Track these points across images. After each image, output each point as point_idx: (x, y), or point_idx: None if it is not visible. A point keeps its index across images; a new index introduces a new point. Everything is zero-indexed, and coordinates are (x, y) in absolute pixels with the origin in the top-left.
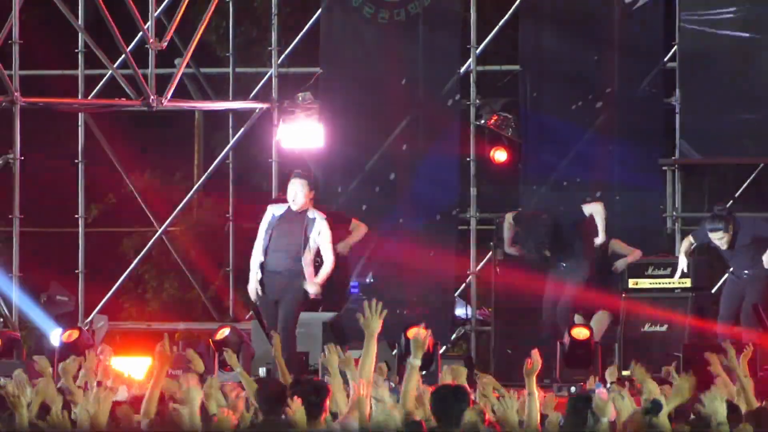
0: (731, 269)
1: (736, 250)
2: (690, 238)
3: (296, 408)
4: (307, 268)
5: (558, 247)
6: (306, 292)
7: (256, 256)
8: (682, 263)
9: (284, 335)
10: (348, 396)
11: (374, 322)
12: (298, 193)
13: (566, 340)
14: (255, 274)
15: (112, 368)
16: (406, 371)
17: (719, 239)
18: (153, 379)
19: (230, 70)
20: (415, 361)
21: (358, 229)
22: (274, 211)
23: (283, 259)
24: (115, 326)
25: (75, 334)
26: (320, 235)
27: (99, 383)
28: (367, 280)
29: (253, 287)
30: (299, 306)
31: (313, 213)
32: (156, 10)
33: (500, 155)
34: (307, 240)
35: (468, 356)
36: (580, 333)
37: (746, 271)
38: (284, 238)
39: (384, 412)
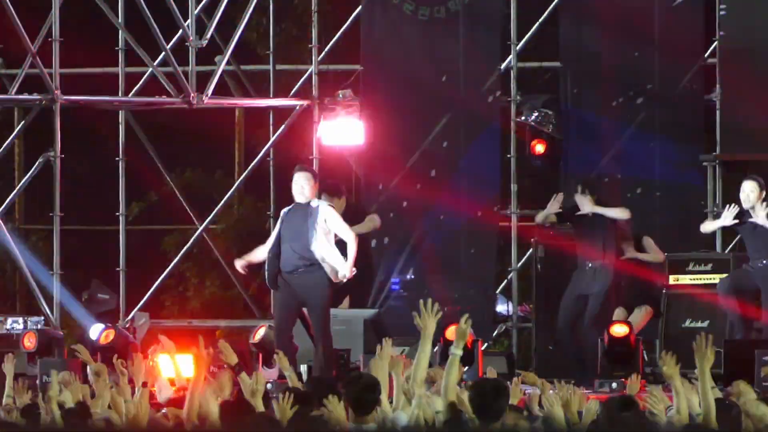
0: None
1: (759, 232)
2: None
3: (334, 407)
4: (329, 255)
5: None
6: (329, 281)
7: (262, 253)
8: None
9: (322, 334)
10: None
11: (430, 321)
12: (304, 186)
13: (605, 336)
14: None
15: (158, 369)
16: (447, 362)
17: (750, 191)
18: (192, 381)
19: (270, 67)
20: (457, 351)
21: (369, 222)
22: (285, 210)
23: (292, 257)
24: (156, 324)
25: (111, 334)
26: (327, 220)
27: (144, 384)
28: (408, 277)
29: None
30: (327, 301)
31: (315, 202)
32: (196, 8)
33: (539, 147)
34: (313, 229)
35: (509, 353)
36: (619, 330)
37: (763, 262)
38: (289, 233)
39: (428, 405)
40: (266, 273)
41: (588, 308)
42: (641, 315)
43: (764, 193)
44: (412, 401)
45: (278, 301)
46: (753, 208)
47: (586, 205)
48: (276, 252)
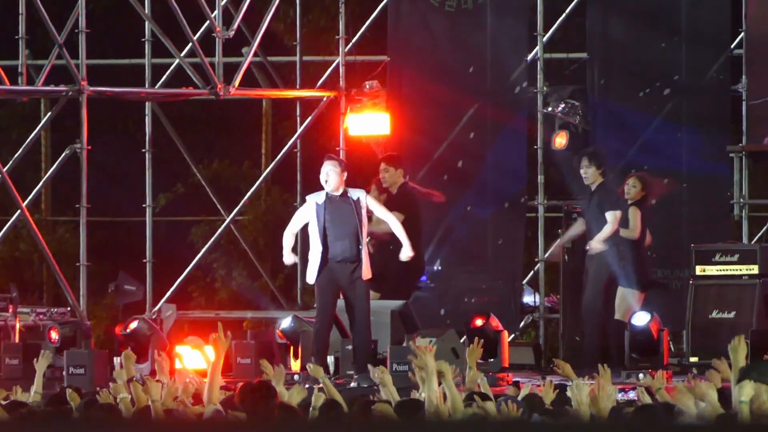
0: None
1: None
2: None
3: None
4: (364, 249)
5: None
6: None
7: (315, 246)
8: None
9: (364, 325)
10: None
11: (429, 359)
12: (330, 173)
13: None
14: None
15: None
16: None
17: None
18: (212, 366)
19: (297, 58)
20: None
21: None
22: (315, 199)
23: (347, 247)
24: (183, 315)
25: (133, 324)
26: (369, 208)
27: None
28: (435, 268)
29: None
30: (369, 292)
31: (354, 193)
32: None
33: (560, 140)
34: (362, 223)
35: (536, 343)
36: (640, 319)
37: None
38: (342, 227)
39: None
40: (312, 265)
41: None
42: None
43: None
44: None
45: (327, 290)
46: None
47: (591, 176)
48: (323, 244)
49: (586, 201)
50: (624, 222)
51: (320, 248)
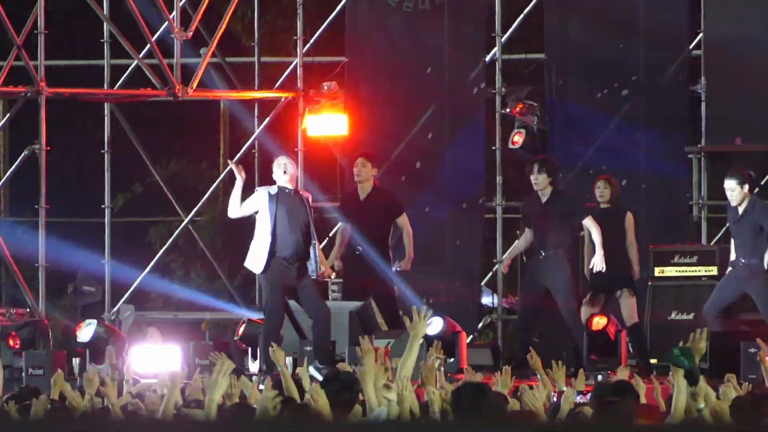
0: (733, 255)
1: (743, 227)
2: None
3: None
4: (317, 247)
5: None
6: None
7: (263, 237)
8: None
9: (326, 320)
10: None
11: (421, 326)
12: (287, 165)
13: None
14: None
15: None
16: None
17: (731, 190)
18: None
19: (256, 59)
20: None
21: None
22: (268, 190)
23: (298, 242)
24: (141, 316)
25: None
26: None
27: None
28: (394, 269)
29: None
30: (322, 288)
31: (303, 193)
32: (181, 0)
33: (517, 138)
34: (310, 218)
35: (495, 344)
36: (598, 323)
37: (743, 260)
38: (293, 222)
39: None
40: (258, 255)
41: (559, 303)
42: (629, 302)
43: (745, 188)
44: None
45: (277, 286)
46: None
47: (542, 183)
48: (273, 236)
49: (536, 208)
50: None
51: (269, 239)
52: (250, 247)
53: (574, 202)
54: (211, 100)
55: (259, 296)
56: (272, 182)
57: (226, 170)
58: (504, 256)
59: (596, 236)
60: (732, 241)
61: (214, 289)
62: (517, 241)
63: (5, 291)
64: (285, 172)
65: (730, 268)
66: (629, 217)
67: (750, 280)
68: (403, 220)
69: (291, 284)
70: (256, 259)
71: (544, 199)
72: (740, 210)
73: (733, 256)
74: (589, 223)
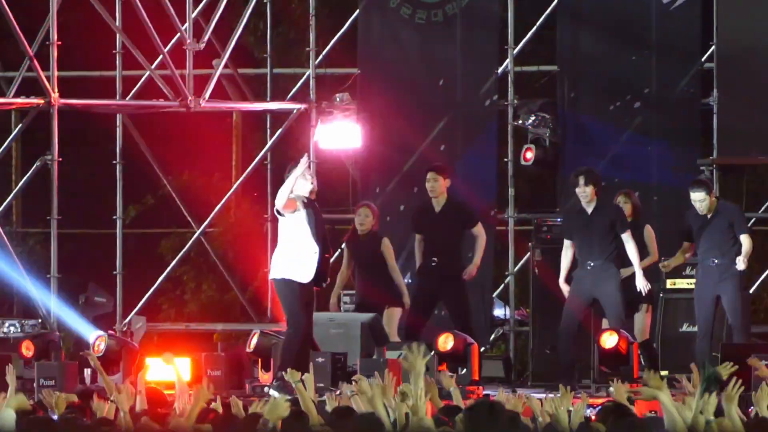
0: (700, 259)
1: (710, 230)
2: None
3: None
4: None
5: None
6: None
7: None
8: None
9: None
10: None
11: (419, 362)
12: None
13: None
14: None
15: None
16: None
17: (701, 201)
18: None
19: (268, 71)
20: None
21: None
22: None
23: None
24: (153, 327)
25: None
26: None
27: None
28: (406, 281)
29: None
30: None
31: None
32: (193, 11)
33: (528, 154)
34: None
35: (506, 357)
36: (607, 341)
37: (714, 260)
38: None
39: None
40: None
41: (608, 313)
42: (643, 317)
43: (712, 196)
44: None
45: (308, 297)
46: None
47: (589, 195)
48: (318, 246)
49: (582, 220)
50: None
51: (315, 248)
52: (287, 255)
53: (618, 212)
54: (224, 111)
55: (272, 308)
56: None
57: (238, 182)
58: (561, 282)
59: (633, 253)
60: (699, 246)
61: (226, 301)
62: (562, 259)
63: (17, 301)
64: (312, 183)
65: (698, 275)
66: (648, 230)
67: (721, 283)
68: (478, 230)
69: (312, 296)
70: (304, 269)
71: (590, 210)
72: (709, 215)
73: (700, 259)
74: (627, 237)
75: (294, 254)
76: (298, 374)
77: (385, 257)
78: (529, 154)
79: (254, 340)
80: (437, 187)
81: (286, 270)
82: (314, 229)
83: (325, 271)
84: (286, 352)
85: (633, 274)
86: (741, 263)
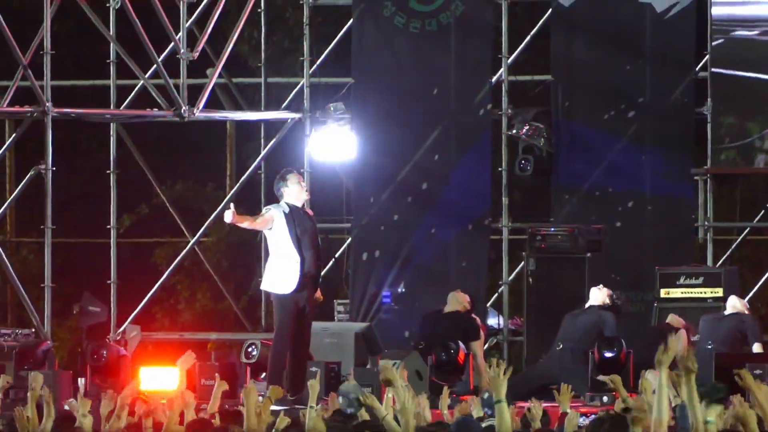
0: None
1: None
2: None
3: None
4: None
5: None
6: None
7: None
8: None
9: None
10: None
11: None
12: (302, 182)
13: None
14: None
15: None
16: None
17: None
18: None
19: (262, 80)
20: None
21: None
22: (281, 209)
23: (314, 263)
24: (147, 336)
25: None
26: None
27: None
28: (399, 290)
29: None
30: None
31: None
32: (187, 21)
33: (525, 166)
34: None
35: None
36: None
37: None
38: (308, 239)
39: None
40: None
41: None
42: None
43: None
44: None
45: (294, 308)
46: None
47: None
48: (301, 255)
49: None
50: None
51: (297, 258)
52: (270, 268)
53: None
54: (218, 121)
55: (266, 318)
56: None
57: (233, 191)
58: None
59: None
60: None
61: (220, 310)
62: None
63: (11, 311)
64: (307, 191)
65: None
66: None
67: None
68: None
69: (303, 305)
70: (284, 280)
71: None
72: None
73: None
74: None
75: (274, 266)
76: (281, 391)
77: None
78: (525, 165)
79: (249, 350)
80: None
81: (267, 282)
82: (297, 237)
83: (315, 277)
84: (271, 362)
85: None
86: None
